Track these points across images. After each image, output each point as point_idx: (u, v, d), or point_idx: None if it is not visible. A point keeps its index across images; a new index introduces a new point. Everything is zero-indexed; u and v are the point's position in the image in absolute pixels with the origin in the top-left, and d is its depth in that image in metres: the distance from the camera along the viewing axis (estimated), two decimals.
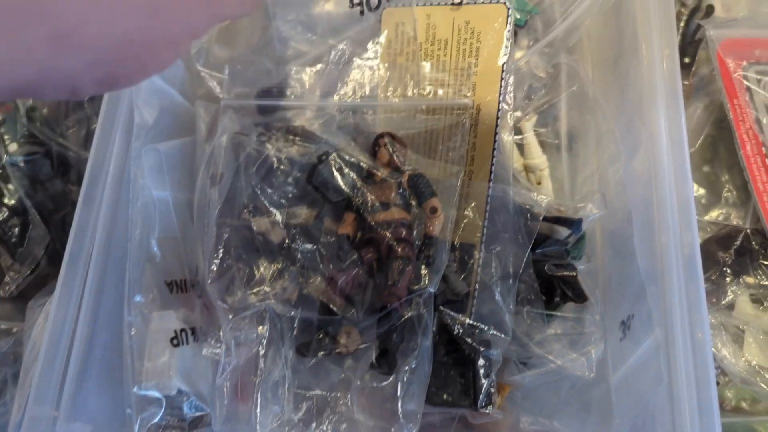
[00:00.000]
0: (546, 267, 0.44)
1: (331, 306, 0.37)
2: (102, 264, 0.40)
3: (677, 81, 0.43)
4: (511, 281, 0.40)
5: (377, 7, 0.42)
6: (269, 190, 0.41)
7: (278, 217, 0.40)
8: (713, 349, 0.47)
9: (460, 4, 0.42)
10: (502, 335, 0.39)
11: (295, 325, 0.39)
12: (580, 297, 0.43)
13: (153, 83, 0.43)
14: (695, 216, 0.39)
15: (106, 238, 0.40)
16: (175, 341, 0.41)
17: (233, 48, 0.45)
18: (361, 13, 0.42)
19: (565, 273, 0.44)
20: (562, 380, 0.43)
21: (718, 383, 0.49)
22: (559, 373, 0.42)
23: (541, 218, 0.40)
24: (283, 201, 0.41)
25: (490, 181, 0.41)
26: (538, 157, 0.49)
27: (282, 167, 0.41)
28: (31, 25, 0.17)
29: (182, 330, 0.42)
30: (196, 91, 0.45)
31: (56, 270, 0.43)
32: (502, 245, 0.40)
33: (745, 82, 0.52)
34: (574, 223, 0.43)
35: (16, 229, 0.43)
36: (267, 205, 0.40)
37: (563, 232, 0.44)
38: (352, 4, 0.42)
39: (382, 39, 0.42)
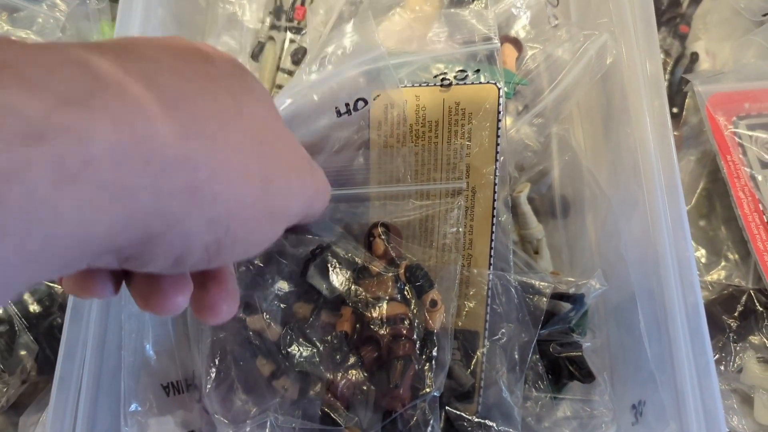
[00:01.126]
0: (551, 347, 0.42)
1: (333, 415, 0.35)
2: (95, 375, 0.38)
3: (669, 135, 0.42)
4: (518, 373, 0.38)
5: (364, 106, 0.40)
6: (262, 287, 0.39)
7: (273, 314, 0.38)
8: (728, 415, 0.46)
9: (449, 85, 0.41)
10: (511, 430, 0.37)
11: (297, 429, 0.37)
12: (587, 376, 0.41)
13: None
14: (701, 296, 0.37)
15: (97, 349, 0.38)
16: None
17: None
18: (348, 114, 0.41)
19: (571, 353, 0.42)
20: None
21: None
22: None
23: (545, 307, 0.38)
24: (278, 296, 0.39)
25: (490, 266, 0.39)
26: (534, 227, 0.47)
27: (275, 262, 0.39)
28: (173, 173, 0.18)
29: None
30: None
31: (47, 379, 0.41)
32: (507, 335, 0.39)
33: (736, 138, 0.51)
34: (576, 299, 0.42)
35: (2, 339, 0.41)
36: (259, 302, 0.39)
37: (565, 307, 0.42)
38: (339, 114, 0.40)
39: (372, 122, 0.41)
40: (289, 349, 0.37)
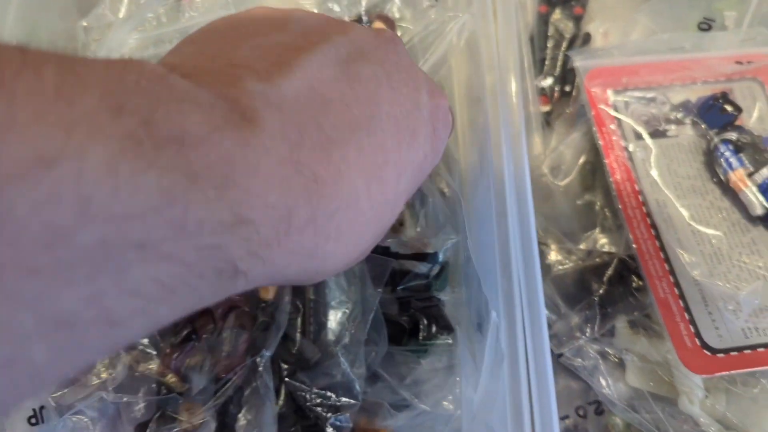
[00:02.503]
0: (411, 304, 0.41)
1: (164, 385, 0.34)
2: None
3: (519, 112, 0.41)
4: (356, 345, 0.37)
5: None
6: None
7: None
8: (595, 378, 0.45)
9: None
10: (352, 401, 0.36)
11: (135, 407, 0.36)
12: (445, 328, 0.41)
13: None
14: (538, 260, 0.36)
15: None
16: (33, 420, 0.38)
17: None
18: None
19: (429, 305, 0.41)
20: (438, 417, 0.40)
21: (603, 412, 0.46)
22: (433, 411, 0.40)
23: (385, 276, 0.38)
24: None
25: None
26: None
27: None
28: None
29: (42, 407, 0.38)
30: None
31: None
32: (344, 308, 0.38)
33: (612, 111, 0.50)
34: (430, 257, 0.41)
35: None
36: None
37: (424, 266, 0.42)
38: None
39: None
40: None
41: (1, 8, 0.42)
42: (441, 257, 0.40)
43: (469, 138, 0.45)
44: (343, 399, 0.37)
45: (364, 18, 0.47)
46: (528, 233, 0.36)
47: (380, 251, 0.41)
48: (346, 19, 0.45)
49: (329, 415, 0.37)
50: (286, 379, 0.36)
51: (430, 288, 0.41)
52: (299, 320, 0.37)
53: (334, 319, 0.39)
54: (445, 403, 0.40)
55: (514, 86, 0.42)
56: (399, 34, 0.47)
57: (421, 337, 0.41)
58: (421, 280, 0.42)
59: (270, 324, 0.35)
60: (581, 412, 0.46)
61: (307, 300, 0.38)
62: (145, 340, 0.36)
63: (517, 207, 0.37)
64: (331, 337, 0.38)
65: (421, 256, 0.41)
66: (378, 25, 0.47)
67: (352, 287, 0.38)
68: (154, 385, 0.35)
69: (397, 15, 0.48)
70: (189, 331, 0.36)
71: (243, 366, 0.34)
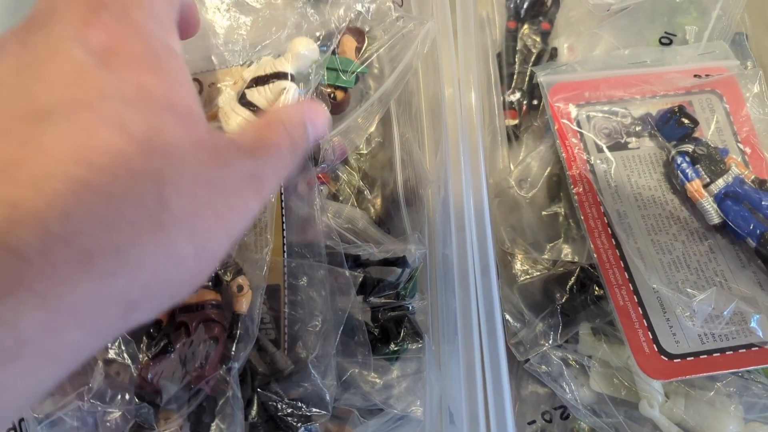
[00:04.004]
0: (380, 313, 0.42)
1: (138, 396, 0.35)
2: None
3: (477, 126, 0.42)
4: (327, 357, 0.38)
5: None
6: None
7: None
8: (559, 384, 0.46)
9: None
10: (323, 411, 0.37)
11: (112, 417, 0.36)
12: (413, 336, 0.42)
13: None
14: (495, 279, 0.37)
15: None
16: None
17: None
18: None
19: (399, 314, 0.42)
20: (406, 423, 0.41)
21: (568, 416, 0.47)
22: (402, 417, 0.40)
23: (351, 294, 0.38)
24: None
25: (284, 254, 0.39)
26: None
27: None
28: (103, 311, 0.19)
29: (21, 420, 0.39)
30: None
31: None
32: (317, 320, 0.39)
33: (574, 125, 0.51)
34: (399, 262, 0.42)
35: None
36: None
37: (396, 272, 0.42)
38: None
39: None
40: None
41: None
42: (410, 263, 0.41)
43: (432, 151, 0.46)
44: (314, 410, 0.38)
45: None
46: (485, 246, 0.37)
47: (351, 260, 0.42)
48: (317, 34, 0.46)
49: (300, 425, 0.37)
50: (259, 389, 0.37)
51: (400, 296, 0.42)
52: (273, 332, 0.38)
53: (306, 331, 0.39)
54: (413, 408, 0.41)
55: (474, 100, 0.43)
56: (367, 44, 0.48)
57: (392, 346, 0.42)
58: (391, 290, 0.43)
59: (242, 336, 0.35)
60: (547, 417, 0.47)
61: (281, 313, 0.39)
62: (123, 352, 0.37)
63: (475, 221, 0.38)
64: (303, 349, 0.39)
65: (391, 262, 0.41)
66: (346, 38, 0.47)
67: (323, 300, 0.39)
68: (128, 396, 0.36)
69: (366, 27, 0.49)
70: (165, 343, 0.36)
71: (214, 376, 0.34)
